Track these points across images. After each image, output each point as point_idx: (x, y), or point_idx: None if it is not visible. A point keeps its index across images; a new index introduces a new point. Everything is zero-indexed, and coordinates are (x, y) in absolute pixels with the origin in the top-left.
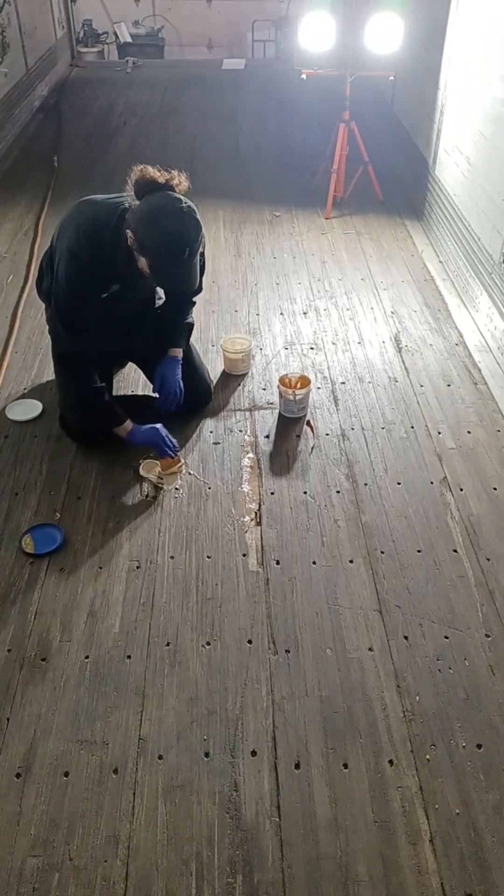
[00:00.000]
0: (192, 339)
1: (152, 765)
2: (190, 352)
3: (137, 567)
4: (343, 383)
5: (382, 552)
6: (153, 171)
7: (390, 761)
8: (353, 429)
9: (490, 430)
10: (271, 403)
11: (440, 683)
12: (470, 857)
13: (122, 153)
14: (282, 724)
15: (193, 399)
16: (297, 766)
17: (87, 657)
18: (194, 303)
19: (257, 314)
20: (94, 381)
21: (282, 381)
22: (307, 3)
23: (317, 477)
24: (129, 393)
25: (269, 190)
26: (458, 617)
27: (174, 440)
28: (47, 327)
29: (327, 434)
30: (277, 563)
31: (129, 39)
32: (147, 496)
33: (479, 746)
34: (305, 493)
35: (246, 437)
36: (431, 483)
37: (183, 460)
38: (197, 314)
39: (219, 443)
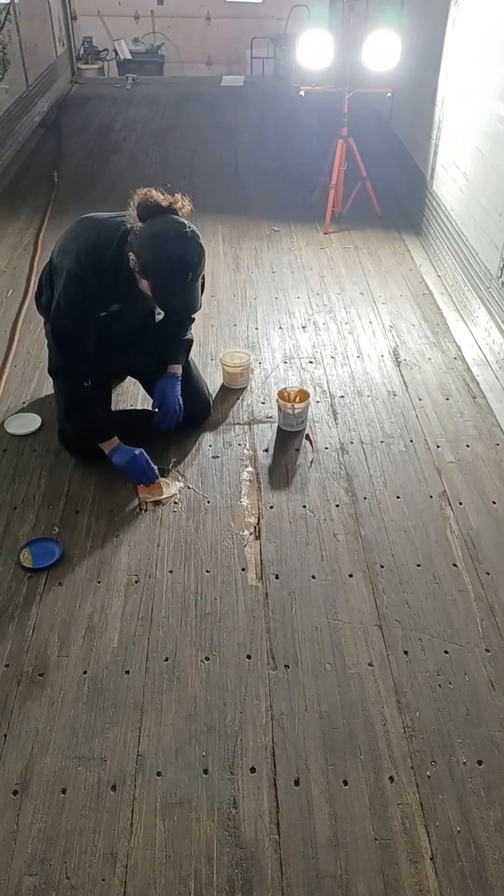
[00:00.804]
0: (192, 353)
1: (150, 781)
2: (189, 366)
3: (136, 581)
4: (342, 397)
5: (382, 566)
6: (157, 195)
7: (391, 778)
8: (352, 442)
9: (489, 443)
10: (270, 417)
11: (440, 699)
12: (471, 875)
13: (122, 169)
14: (281, 740)
15: (193, 413)
16: (297, 782)
17: (85, 672)
18: (193, 319)
19: (256, 328)
20: (84, 395)
21: (281, 394)
22: (305, 21)
23: (316, 491)
24: (129, 407)
25: (268, 205)
26: (457, 631)
27: (154, 466)
28: (46, 341)
29: (326, 448)
30: (276, 577)
31: (128, 56)
32: (145, 510)
33: (479, 762)
34: (304, 506)
35: (245, 450)
36: (431, 497)
37: (177, 491)
38: (196, 328)
39: (218, 456)
